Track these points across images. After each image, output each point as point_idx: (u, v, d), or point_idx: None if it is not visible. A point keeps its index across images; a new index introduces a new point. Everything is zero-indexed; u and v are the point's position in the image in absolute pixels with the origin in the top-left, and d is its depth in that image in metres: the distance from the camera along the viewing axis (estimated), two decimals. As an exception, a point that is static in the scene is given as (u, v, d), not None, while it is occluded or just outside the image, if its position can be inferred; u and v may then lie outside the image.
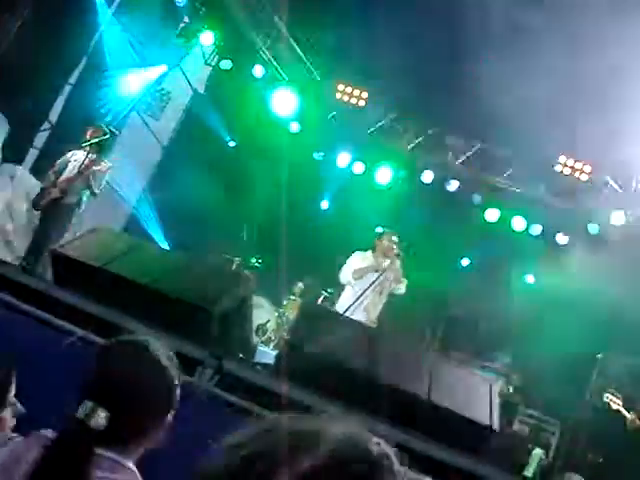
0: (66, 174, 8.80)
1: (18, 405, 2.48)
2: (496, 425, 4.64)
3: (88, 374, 2.09)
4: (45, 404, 2.31)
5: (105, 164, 8.92)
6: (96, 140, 8.93)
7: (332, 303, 11.13)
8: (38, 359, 3.54)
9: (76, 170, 8.73)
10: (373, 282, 8.34)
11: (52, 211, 8.70)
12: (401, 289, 8.76)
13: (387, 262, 8.62)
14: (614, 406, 8.78)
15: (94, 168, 8.69)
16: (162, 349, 2.19)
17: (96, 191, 8.85)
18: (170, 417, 2.17)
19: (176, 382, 2.19)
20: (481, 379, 6.67)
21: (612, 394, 8.84)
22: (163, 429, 2.15)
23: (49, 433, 2.03)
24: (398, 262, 8.66)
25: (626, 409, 8.65)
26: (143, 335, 2.29)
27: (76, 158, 8.90)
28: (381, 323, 8.88)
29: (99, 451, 1.97)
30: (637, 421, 8.52)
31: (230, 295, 5.49)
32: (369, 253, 8.80)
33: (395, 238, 8.92)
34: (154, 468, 2.19)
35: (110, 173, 9.07)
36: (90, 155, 8.77)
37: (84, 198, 8.87)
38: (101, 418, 1.96)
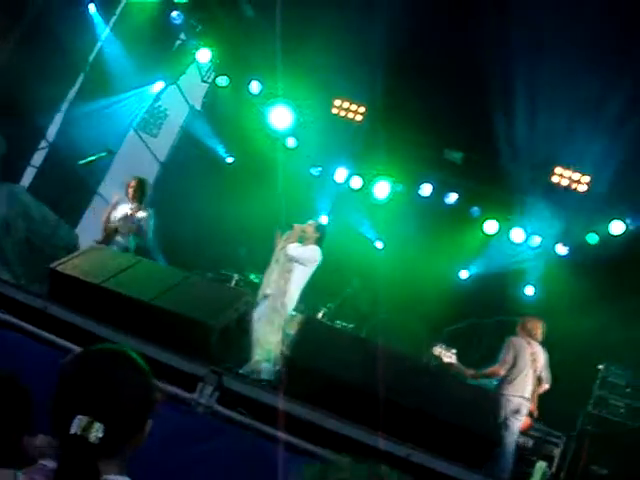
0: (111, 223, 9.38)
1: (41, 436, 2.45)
2: (500, 439, 4.61)
3: (69, 386, 2.05)
4: (42, 422, 2.28)
5: (143, 212, 9.47)
6: (94, 158, 8.99)
7: (331, 317, 11.10)
8: (35, 377, 3.51)
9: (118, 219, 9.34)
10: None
11: None
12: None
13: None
14: (446, 359, 8.76)
15: (137, 216, 9.39)
16: (135, 353, 2.17)
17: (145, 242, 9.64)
18: (150, 422, 2.14)
19: (154, 387, 2.17)
20: (485, 392, 6.64)
21: (442, 348, 8.84)
22: (145, 434, 2.12)
23: (50, 464, 2.00)
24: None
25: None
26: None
27: (121, 209, 9.46)
28: (380, 337, 8.86)
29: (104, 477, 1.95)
30: (477, 376, 8.54)
31: (229, 311, 5.47)
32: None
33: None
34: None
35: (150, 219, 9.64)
36: (132, 206, 9.40)
37: (132, 244, 9.41)
38: (98, 431, 1.93)
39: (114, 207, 9.48)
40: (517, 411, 8.31)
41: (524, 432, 8.81)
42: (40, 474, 1.97)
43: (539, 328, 8.83)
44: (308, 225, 9.04)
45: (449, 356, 8.83)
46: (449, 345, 9.07)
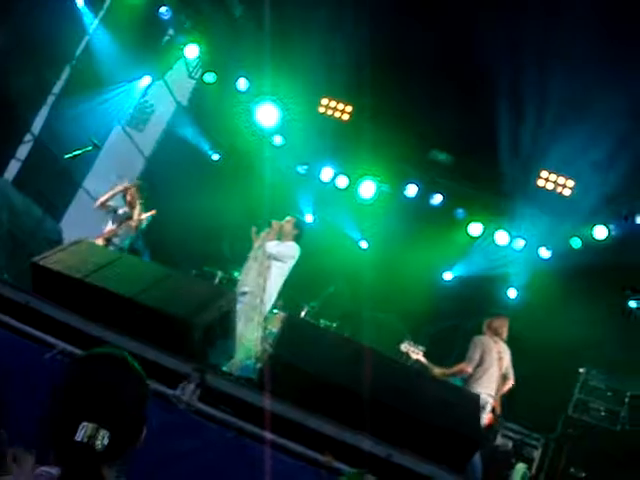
0: (108, 227, 10.07)
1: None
2: (482, 439, 4.62)
3: (72, 394, 2.04)
4: (26, 418, 2.27)
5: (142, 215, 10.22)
6: (79, 152, 8.98)
7: (315, 316, 11.10)
8: (18, 372, 3.50)
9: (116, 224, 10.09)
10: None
11: None
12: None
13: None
14: (413, 356, 8.88)
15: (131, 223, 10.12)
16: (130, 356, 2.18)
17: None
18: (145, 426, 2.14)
19: (148, 385, 2.18)
20: (467, 393, 6.66)
21: (410, 345, 8.95)
22: (142, 438, 2.12)
23: (53, 470, 1.99)
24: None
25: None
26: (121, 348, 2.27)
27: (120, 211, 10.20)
28: (364, 338, 8.89)
29: None
30: (444, 374, 8.61)
31: (212, 308, 5.45)
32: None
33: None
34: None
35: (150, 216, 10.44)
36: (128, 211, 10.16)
37: (126, 244, 10.16)
38: (104, 438, 1.92)
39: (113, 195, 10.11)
40: (482, 408, 8.37)
41: (488, 428, 8.85)
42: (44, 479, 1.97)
43: (505, 327, 8.95)
44: (286, 222, 9.03)
45: (417, 353, 8.91)
46: (418, 343, 9.14)
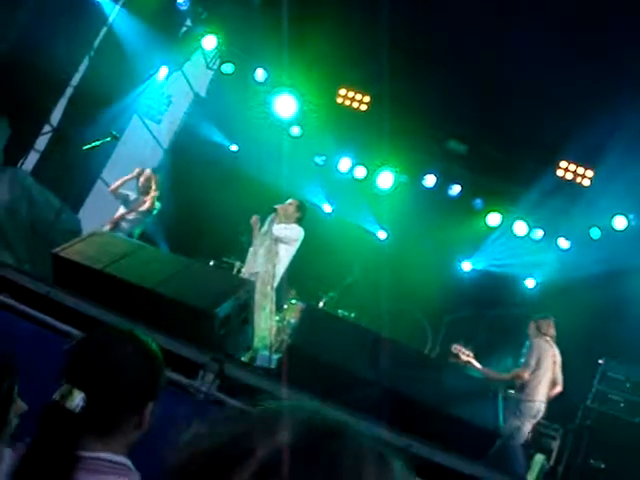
0: (119, 212, 10.24)
1: (20, 402, 2.46)
2: (501, 431, 4.60)
3: (68, 359, 2.07)
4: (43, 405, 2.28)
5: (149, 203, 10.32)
6: (98, 143, 9.03)
7: (333, 306, 11.11)
8: (37, 361, 3.52)
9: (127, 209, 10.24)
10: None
11: None
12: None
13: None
14: (464, 357, 8.73)
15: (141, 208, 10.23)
16: (149, 339, 2.17)
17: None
18: (151, 405, 2.13)
19: (159, 371, 2.16)
20: (486, 384, 6.64)
21: (459, 346, 8.82)
22: (145, 417, 2.11)
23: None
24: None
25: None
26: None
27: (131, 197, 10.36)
28: (383, 328, 8.87)
29: (87, 454, 1.94)
30: (498, 379, 8.46)
31: (231, 299, 5.47)
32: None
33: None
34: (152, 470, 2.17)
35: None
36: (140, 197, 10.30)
37: (137, 231, 10.29)
38: (77, 399, 1.92)
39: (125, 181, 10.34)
40: (535, 415, 8.31)
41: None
42: (25, 448, 1.98)
43: (553, 327, 8.76)
44: (289, 204, 9.07)
45: (467, 355, 8.79)
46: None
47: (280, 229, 8.82)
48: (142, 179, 10.27)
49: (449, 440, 4.34)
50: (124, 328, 2.21)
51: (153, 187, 10.23)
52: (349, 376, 4.81)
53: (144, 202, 10.19)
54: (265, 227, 9.02)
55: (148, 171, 10.40)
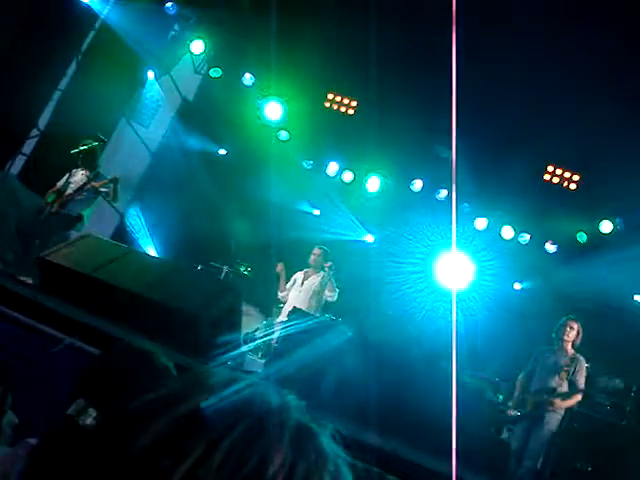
0: (67, 192, 9.67)
1: (11, 415, 2.45)
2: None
3: (88, 373, 2.07)
4: (33, 410, 2.28)
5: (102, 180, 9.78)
6: (85, 147, 9.03)
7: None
8: (25, 366, 3.52)
9: (75, 189, 9.64)
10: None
11: (53, 221, 9.53)
12: (332, 297, 9.92)
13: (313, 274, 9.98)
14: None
15: (93, 184, 9.65)
16: (170, 364, 2.17)
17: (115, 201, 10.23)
18: None
19: None
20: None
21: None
22: None
23: (32, 441, 2.00)
24: (323, 273, 9.83)
25: None
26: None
27: (74, 179, 9.77)
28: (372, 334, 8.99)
29: None
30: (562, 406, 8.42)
31: (219, 303, 5.47)
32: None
33: (317, 251, 10.05)
34: None
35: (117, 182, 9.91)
36: (87, 174, 9.75)
37: (86, 214, 9.72)
38: (91, 417, 1.93)
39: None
40: None
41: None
42: (23, 449, 1.99)
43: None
44: (316, 255, 9.99)
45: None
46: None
47: (332, 296, 9.86)
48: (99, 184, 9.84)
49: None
50: (145, 349, 2.18)
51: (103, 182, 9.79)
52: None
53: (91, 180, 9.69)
54: (299, 283, 9.93)
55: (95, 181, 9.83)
